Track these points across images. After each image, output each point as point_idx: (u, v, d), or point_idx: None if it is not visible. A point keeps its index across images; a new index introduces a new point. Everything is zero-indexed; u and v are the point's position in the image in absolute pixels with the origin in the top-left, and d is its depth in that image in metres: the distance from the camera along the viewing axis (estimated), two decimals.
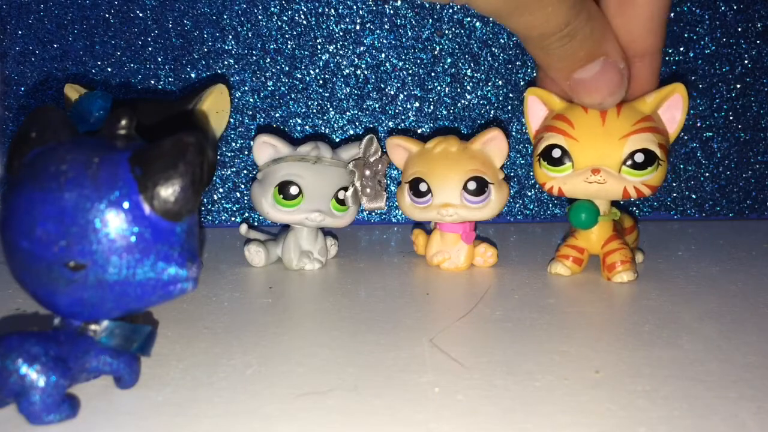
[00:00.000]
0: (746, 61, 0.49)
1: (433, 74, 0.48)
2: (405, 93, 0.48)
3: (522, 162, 0.50)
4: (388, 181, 0.42)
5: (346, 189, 0.38)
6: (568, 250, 0.37)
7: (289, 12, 0.47)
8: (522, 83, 0.49)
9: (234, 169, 0.49)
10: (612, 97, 0.33)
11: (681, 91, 0.34)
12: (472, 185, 0.37)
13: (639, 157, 0.33)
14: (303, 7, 0.47)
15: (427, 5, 0.47)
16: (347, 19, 0.47)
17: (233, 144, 0.49)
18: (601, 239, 0.36)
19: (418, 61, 0.48)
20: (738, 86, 0.49)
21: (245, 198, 0.49)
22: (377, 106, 0.49)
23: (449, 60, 0.48)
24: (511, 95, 0.49)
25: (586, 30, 0.30)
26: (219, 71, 0.48)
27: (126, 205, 0.21)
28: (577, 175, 0.34)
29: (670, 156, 0.52)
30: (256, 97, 0.48)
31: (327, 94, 0.48)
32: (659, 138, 0.34)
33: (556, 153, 0.35)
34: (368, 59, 0.48)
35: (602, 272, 0.36)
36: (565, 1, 0.28)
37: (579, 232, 0.37)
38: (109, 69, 0.47)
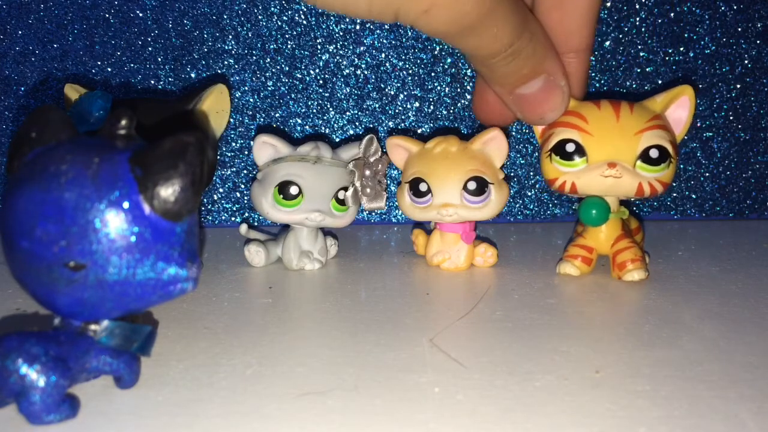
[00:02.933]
0: (746, 61, 0.49)
1: (433, 74, 0.48)
2: (405, 93, 0.48)
3: (522, 162, 0.50)
4: (388, 181, 0.42)
5: (346, 189, 0.38)
6: (577, 250, 0.37)
7: (289, 12, 0.47)
8: None
9: (234, 169, 0.49)
10: (553, 112, 0.34)
11: (689, 93, 0.35)
12: (472, 185, 0.37)
13: (654, 153, 0.34)
14: (303, 7, 0.47)
15: None
16: (347, 19, 0.47)
17: (233, 144, 0.49)
18: (610, 238, 0.36)
19: (418, 61, 0.48)
20: (738, 86, 0.49)
21: (245, 198, 0.49)
22: (377, 106, 0.49)
23: (449, 60, 0.48)
24: None
25: (529, 49, 0.31)
26: (219, 71, 0.47)
27: (126, 205, 0.21)
28: (591, 170, 0.34)
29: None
30: (256, 97, 0.48)
31: (327, 94, 0.48)
32: (670, 136, 0.35)
33: (570, 147, 0.34)
34: (368, 59, 0.48)
35: (612, 271, 0.36)
36: (509, 22, 0.29)
37: (587, 232, 0.37)
38: (109, 69, 0.47)
